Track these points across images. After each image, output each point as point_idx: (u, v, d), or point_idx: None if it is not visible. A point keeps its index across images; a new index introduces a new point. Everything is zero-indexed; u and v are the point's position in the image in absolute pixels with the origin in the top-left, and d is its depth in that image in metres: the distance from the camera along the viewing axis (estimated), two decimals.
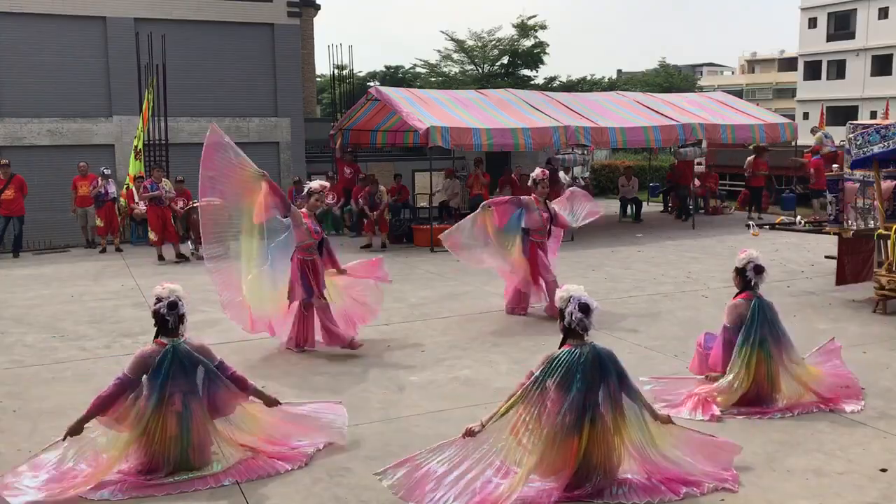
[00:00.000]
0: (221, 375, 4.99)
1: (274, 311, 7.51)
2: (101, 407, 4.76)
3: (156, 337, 4.94)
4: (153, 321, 4.97)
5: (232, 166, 7.15)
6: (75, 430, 4.72)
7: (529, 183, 9.17)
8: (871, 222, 9.48)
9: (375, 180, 15.38)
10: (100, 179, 14.92)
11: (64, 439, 4.72)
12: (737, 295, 6.01)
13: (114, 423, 4.80)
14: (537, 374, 4.46)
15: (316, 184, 7.88)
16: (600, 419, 4.47)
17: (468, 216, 9.02)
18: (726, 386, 5.78)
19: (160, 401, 4.78)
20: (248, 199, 7.24)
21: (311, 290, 7.56)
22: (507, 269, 9.04)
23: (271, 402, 5.18)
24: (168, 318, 4.87)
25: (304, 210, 7.65)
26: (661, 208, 20.34)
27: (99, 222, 15.04)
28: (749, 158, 18.74)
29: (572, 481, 4.46)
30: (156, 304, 4.91)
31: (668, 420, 4.76)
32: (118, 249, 14.93)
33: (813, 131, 18.87)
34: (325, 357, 7.53)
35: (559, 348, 4.57)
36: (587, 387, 4.43)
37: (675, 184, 19.36)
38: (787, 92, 61.09)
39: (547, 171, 9.24)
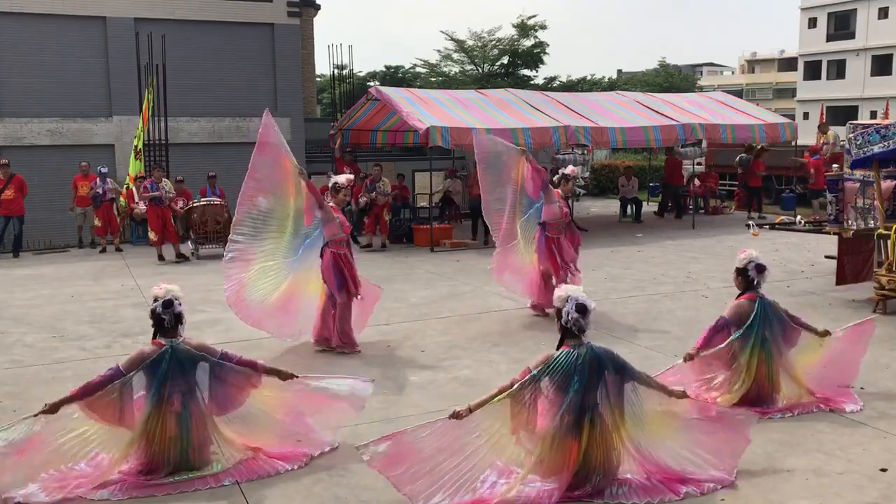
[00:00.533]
0: (228, 364, 4.97)
1: (266, 305, 7.42)
2: (86, 394, 4.72)
3: (154, 337, 4.94)
4: (151, 322, 4.97)
5: (280, 158, 7.27)
6: (52, 409, 4.64)
7: (559, 178, 9.10)
8: (871, 222, 9.48)
9: (380, 168, 15.40)
10: (98, 180, 14.94)
11: (36, 416, 4.64)
12: (739, 296, 5.96)
13: (90, 411, 4.72)
14: (534, 372, 4.45)
15: (343, 178, 7.86)
16: (600, 420, 4.47)
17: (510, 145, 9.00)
18: (726, 386, 5.79)
19: (159, 401, 4.77)
20: (293, 198, 7.37)
21: (342, 286, 7.49)
22: (514, 259, 8.92)
23: (286, 376, 5.14)
24: (164, 317, 4.87)
25: (332, 204, 7.63)
26: (657, 210, 19.95)
27: (97, 222, 15.04)
28: (738, 157, 18.69)
29: (573, 482, 4.46)
30: (153, 304, 4.92)
31: (683, 395, 4.74)
32: (118, 249, 14.93)
33: (823, 129, 18.72)
34: (326, 357, 7.53)
35: (557, 349, 4.57)
36: (585, 388, 4.43)
37: (664, 184, 19.26)
38: (787, 92, 61.07)
39: (576, 171, 9.25)
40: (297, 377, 5.18)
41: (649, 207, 20.31)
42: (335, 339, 7.61)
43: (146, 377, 4.79)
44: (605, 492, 4.49)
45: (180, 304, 4.93)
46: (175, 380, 4.81)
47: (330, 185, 7.84)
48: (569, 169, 9.20)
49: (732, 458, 4.74)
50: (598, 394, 4.47)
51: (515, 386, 4.43)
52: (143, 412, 4.79)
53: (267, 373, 5.11)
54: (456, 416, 4.35)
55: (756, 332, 5.74)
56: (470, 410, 4.37)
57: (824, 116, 23.57)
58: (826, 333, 5.99)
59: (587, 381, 4.43)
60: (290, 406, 5.22)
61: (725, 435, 4.80)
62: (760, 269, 5.88)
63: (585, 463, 4.45)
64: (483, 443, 4.42)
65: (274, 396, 5.17)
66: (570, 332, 4.53)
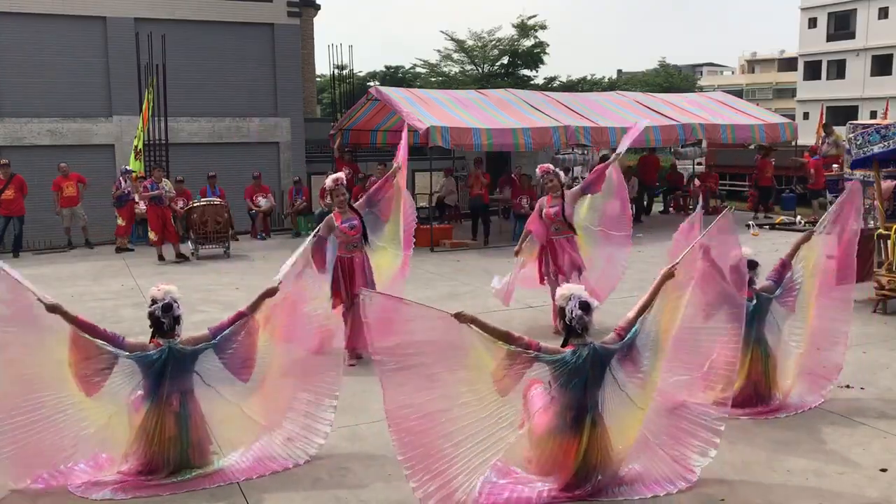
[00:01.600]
0: (224, 333, 4.98)
1: None
2: (85, 328, 4.69)
3: (152, 338, 4.93)
4: (149, 322, 4.96)
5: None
6: (52, 307, 4.61)
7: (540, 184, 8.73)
8: (871, 222, 9.48)
9: (384, 167, 15.36)
10: (122, 180, 14.91)
11: (38, 299, 4.61)
12: None
13: (73, 343, 4.67)
14: (541, 353, 4.39)
15: (329, 181, 7.44)
16: (600, 420, 4.47)
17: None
18: (722, 385, 5.78)
19: (157, 401, 4.77)
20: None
21: (333, 294, 6.95)
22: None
23: (270, 293, 5.15)
24: (163, 319, 4.86)
25: (335, 210, 7.38)
26: (661, 209, 20.20)
27: (121, 221, 15.00)
28: (757, 157, 18.64)
29: (572, 481, 4.46)
30: (150, 305, 4.91)
31: (671, 272, 4.70)
32: (128, 249, 14.87)
33: (828, 131, 18.63)
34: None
35: (562, 347, 4.56)
36: (587, 387, 4.43)
37: (639, 182, 18.69)
38: (787, 92, 61.05)
39: (547, 167, 8.58)
40: (279, 285, 5.17)
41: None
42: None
43: (143, 377, 4.79)
44: (605, 490, 4.49)
45: (179, 307, 4.92)
46: (174, 380, 4.80)
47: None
48: (538, 170, 8.63)
49: (702, 455, 4.68)
50: (600, 393, 4.47)
51: (517, 347, 4.35)
52: (141, 412, 4.78)
53: (255, 308, 5.11)
54: (458, 316, 4.25)
55: (752, 330, 5.73)
56: (471, 323, 4.27)
57: (824, 117, 23.55)
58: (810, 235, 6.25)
59: (590, 380, 4.43)
60: (284, 405, 5.24)
61: (697, 433, 4.74)
62: (752, 265, 5.90)
63: (585, 463, 4.45)
64: (464, 387, 4.32)
65: (271, 384, 5.19)
66: (574, 331, 4.52)
